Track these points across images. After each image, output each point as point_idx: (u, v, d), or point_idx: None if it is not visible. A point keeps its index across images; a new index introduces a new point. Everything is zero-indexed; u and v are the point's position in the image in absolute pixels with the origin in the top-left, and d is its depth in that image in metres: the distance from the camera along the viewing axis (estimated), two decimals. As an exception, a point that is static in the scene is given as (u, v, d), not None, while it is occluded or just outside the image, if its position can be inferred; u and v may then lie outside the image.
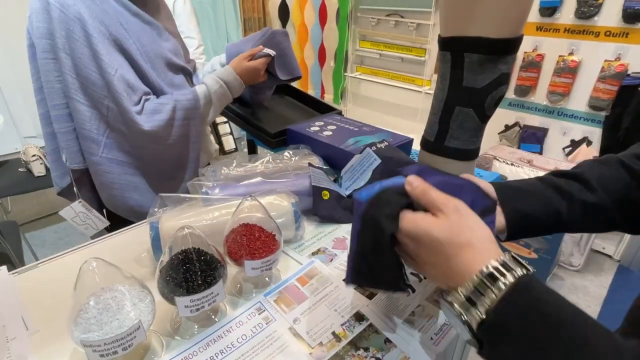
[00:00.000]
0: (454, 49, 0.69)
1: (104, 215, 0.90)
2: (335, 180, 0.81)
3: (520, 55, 2.06)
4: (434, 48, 2.39)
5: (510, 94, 2.15)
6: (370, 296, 0.56)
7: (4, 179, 1.90)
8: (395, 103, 2.76)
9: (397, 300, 0.55)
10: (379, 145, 0.78)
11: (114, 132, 0.79)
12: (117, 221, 0.89)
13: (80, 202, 0.82)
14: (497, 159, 2.12)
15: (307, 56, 3.19)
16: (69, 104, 0.75)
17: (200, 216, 0.61)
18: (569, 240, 1.92)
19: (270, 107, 1.16)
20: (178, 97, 0.81)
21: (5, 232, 1.53)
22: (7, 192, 1.83)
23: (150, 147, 0.81)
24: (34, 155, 1.90)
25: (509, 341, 0.30)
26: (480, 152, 2.37)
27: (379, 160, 0.75)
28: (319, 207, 0.72)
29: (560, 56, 1.92)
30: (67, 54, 0.71)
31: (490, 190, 0.53)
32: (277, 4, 3.20)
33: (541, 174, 0.61)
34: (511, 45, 0.66)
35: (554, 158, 2.03)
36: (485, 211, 0.43)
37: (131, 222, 0.85)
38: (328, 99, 3.14)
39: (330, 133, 0.91)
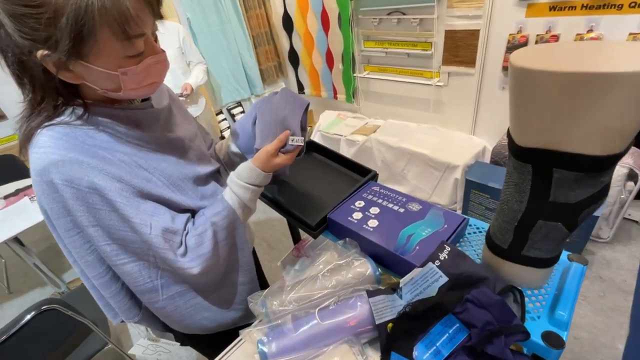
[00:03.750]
0: (539, 162, 0.47)
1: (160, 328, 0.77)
2: (394, 289, 0.63)
3: (532, 38, 1.70)
4: (439, 41, 2.03)
5: (523, 78, 1.82)
6: None
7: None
8: (407, 96, 2.44)
9: None
10: (441, 257, 0.58)
11: (165, 272, 0.63)
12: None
13: (144, 338, 0.69)
14: (517, 145, 1.83)
15: (315, 61, 2.86)
16: (113, 269, 0.59)
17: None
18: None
19: (299, 172, 0.96)
20: (213, 218, 0.62)
21: (78, 298, 1.45)
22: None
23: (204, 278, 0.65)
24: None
25: None
26: (495, 144, 2.06)
27: (445, 278, 0.56)
28: (387, 343, 0.55)
29: (577, 35, 1.56)
30: (95, 226, 0.53)
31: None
32: (281, 16, 2.85)
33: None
34: (620, 157, 0.43)
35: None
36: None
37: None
38: (341, 98, 2.85)
39: (376, 223, 0.70)
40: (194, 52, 2.06)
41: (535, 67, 0.38)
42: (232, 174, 0.66)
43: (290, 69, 3.17)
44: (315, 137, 2.83)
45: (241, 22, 2.74)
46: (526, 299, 0.56)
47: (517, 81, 0.42)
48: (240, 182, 0.64)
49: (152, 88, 0.54)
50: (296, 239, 1.03)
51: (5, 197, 1.72)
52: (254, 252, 0.97)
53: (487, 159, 2.09)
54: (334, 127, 2.72)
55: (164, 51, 0.53)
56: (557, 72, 0.37)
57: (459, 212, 2.07)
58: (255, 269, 0.74)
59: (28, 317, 1.06)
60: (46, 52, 0.44)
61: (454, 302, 0.53)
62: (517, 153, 0.46)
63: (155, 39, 0.54)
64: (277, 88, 3.20)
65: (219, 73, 2.77)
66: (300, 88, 3.19)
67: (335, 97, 2.90)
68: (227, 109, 2.97)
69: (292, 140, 0.66)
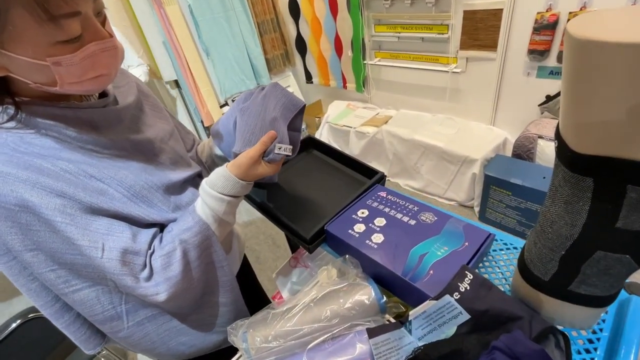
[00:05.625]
0: (606, 176, 0.34)
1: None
2: (402, 321, 0.51)
3: (563, 17, 1.52)
4: (457, 23, 1.86)
5: (553, 62, 1.64)
6: None
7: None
8: (421, 84, 2.28)
9: None
10: (461, 287, 0.46)
11: (130, 296, 0.54)
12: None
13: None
14: (542, 138, 1.67)
15: (323, 48, 2.71)
16: (63, 298, 0.50)
17: None
18: None
19: (295, 172, 0.85)
20: (182, 235, 0.52)
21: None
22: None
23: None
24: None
25: None
26: (518, 135, 1.89)
27: (466, 315, 0.44)
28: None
29: (617, 11, 1.37)
30: (34, 250, 0.44)
31: None
32: (287, 2, 2.70)
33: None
34: None
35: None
36: None
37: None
38: (351, 88, 2.70)
39: (382, 238, 0.59)
40: (131, 55, 1.92)
41: (611, 38, 0.26)
42: (204, 181, 0.55)
43: (297, 58, 3.03)
44: (324, 129, 2.71)
45: (245, 9, 2.61)
46: (571, 343, 0.44)
47: (579, 60, 0.29)
48: (213, 192, 0.53)
49: (99, 82, 0.44)
50: (294, 246, 0.93)
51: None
52: (247, 264, 0.87)
53: (508, 152, 1.92)
54: (343, 119, 2.58)
55: (112, 35, 0.42)
56: (651, 45, 0.24)
57: (476, 209, 1.92)
58: (238, 289, 0.64)
59: (14, 325, 1.03)
60: None
61: (478, 349, 0.42)
62: (572, 162, 0.34)
63: (104, 20, 0.43)
64: (285, 78, 3.07)
65: (223, 62, 2.66)
66: (309, 77, 3.05)
67: (345, 87, 2.75)
68: (232, 100, 2.87)
69: (280, 149, 0.55)
